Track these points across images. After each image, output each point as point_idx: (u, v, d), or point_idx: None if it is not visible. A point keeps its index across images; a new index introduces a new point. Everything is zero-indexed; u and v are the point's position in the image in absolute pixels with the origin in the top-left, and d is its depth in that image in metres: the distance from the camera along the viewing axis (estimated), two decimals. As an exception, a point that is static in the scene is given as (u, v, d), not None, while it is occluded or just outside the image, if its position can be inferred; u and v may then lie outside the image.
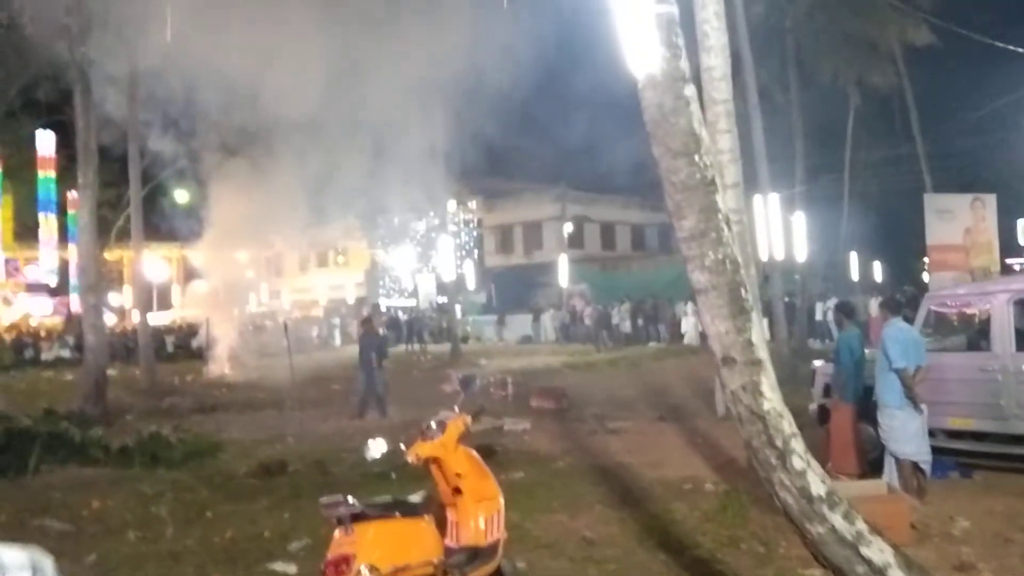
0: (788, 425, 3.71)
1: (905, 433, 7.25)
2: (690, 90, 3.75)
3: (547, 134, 39.48)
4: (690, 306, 28.27)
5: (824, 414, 8.93)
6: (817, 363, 10.06)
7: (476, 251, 42.38)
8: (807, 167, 24.88)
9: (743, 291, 3.66)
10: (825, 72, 24.54)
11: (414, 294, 41.53)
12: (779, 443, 3.62)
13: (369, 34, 21.54)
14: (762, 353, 3.69)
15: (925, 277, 32.31)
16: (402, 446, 4.83)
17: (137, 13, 17.12)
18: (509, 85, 25.04)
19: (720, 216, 3.65)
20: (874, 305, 24.57)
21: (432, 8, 20.82)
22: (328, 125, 24.28)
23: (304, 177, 24.48)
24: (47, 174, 38.38)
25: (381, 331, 16.80)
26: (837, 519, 3.66)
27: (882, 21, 23.55)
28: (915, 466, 7.33)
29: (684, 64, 3.73)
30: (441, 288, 38.69)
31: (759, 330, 3.74)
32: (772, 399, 3.66)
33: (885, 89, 26.37)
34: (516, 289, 37.52)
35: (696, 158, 3.65)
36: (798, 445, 3.72)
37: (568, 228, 39.73)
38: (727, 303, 3.60)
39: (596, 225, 43.24)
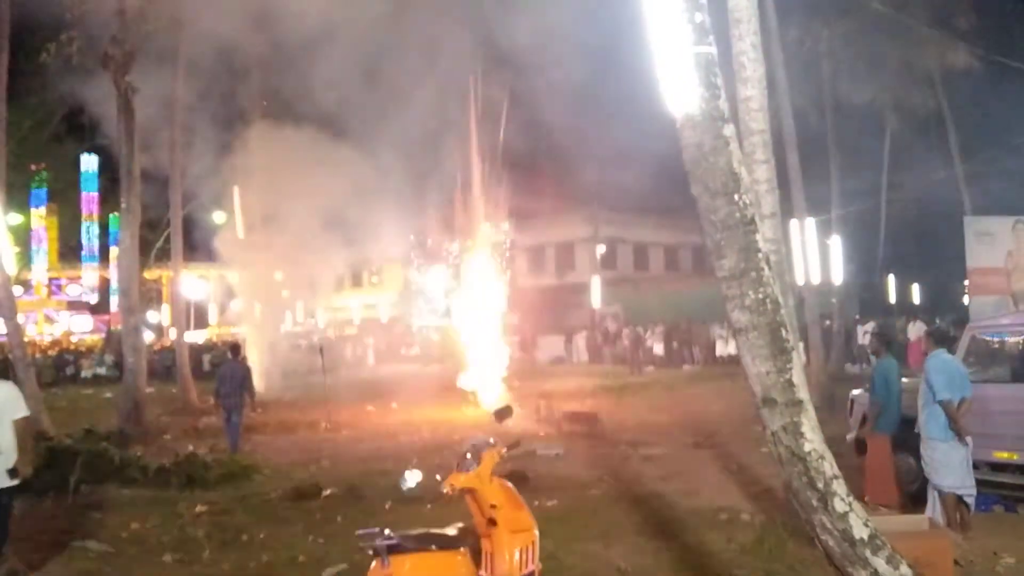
0: (830, 467, 3.66)
1: (949, 465, 7.12)
2: (729, 130, 3.75)
3: (580, 154, 39.56)
4: (726, 328, 28.11)
5: (862, 444, 8.79)
6: (855, 392, 9.92)
7: (508, 272, 42.36)
8: (843, 190, 24.65)
9: (783, 331, 3.64)
10: (862, 95, 24.34)
11: (447, 314, 41.63)
12: (820, 485, 3.58)
13: (406, 52, 21.86)
14: (803, 394, 3.65)
15: (965, 300, 31.78)
16: (438, 477, 4.84)
17: (180, 41, 17.59)
18: (543, 106, 25.22)
19: (760, 255, 3.64)
20: (913, 329, 24.22)
21: (467, 27, 21.02)
22: (362, 146, 24.65)
23: (339, 198, 24.80)
24: (90, 195, 39.27)
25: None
26: (880, 563, 3.61)
27: (920, 44, 23.33)
28: (959, 500, 7.19)
29: (723, 104, 3.74)
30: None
31: (800, 370, 3.71)
32: (813, 440, 3.62)
33: (923, 111, 26.07)
34: (548, 310, 37.47)
35: (735, 197, 3.65)
36: (840, 487, 3.67)
37: (601, 249, 39.64)
38: (767, 343, 3.58)
39: (629, 246, 43.09)
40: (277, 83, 23.83)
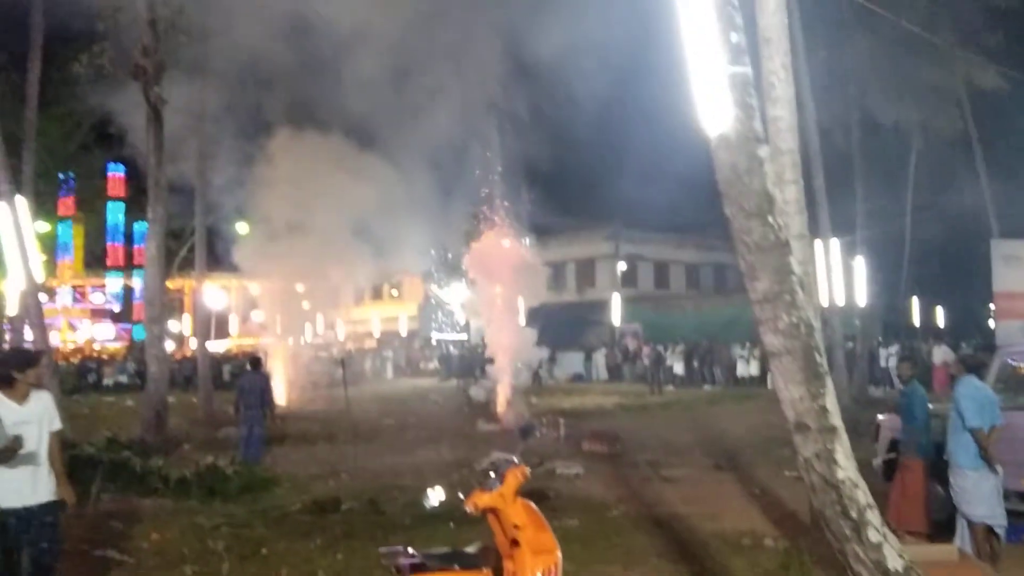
0: (863, 495, 3.59)
1: (979, 495, 6.97)
2: (764, 150, 3.71)
3: (601, 171, 39.62)
4: (747, 348, 27.89)
5: (890, 469, 8.65)
6: (881, 416, 9.77)
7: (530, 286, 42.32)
8: (868, 210, 24.46)
9: (817, 355, 3.58)
10: (888, 115, 24.18)
11: (466, 329, 41.67)
12: (854, 514, 3.51)
13: (430, 66, 22.00)
14: (836, 420, 3.59)
15: (991, 324, 31.34)
16: (460, 495, 4.80)
17: (209, 54, 17.80)
18: (565, 123, 25.30)
19: (794, 278, 3.59)
20: (938, 353, 23.93)
21: (493, 40, 21.14)
22: (384, 159, 24.82)
23: (361, 211, 24.94)
24: (116, 205, 39.76)
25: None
26: (914, 595, 3.53)
27: (947, 64, 23.18)
28: (989, 530, 7.04)
29: (758, 124, 3.70)
30: (493, 323, 38.67)
31: (833, 396, 3.64)
32: (847, 468, 3.55)
33: (950, 132, 25.84)
34: (567, 326, 37.36)
35: (769, 219, 3.61)
36: (874, 517, 3.60)
37: (621, 266, 39.55)
38: (801, 368, 3.53)
39: (649, 263, 42.97)
40: (301, 94, 24.06)
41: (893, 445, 8.80)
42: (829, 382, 3.69)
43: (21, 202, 14.07)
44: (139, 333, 41.08)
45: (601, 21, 19.19)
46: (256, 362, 13.93)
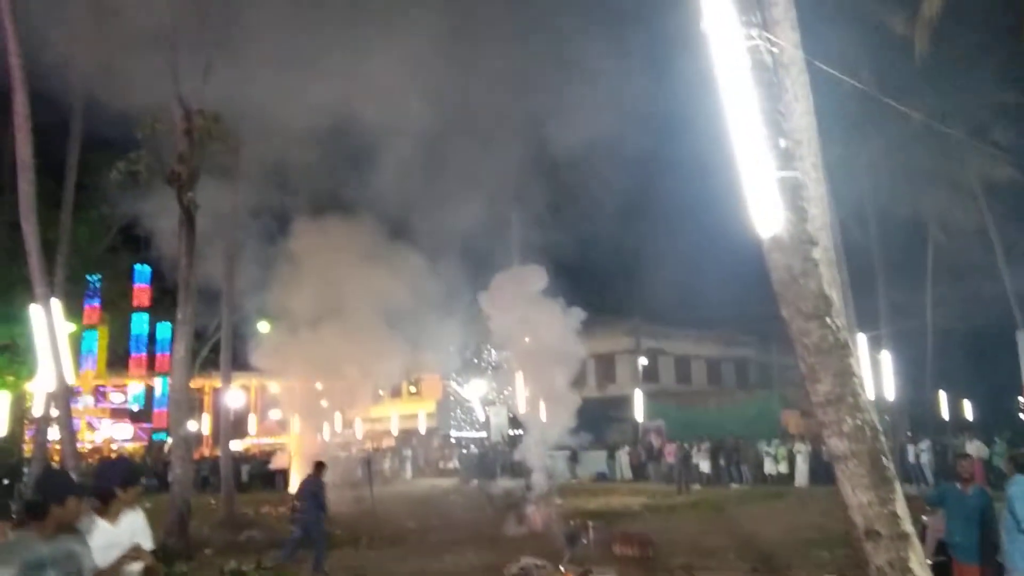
0: (941, 606, 3.46)
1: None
2: (818, 252, 3.75)
3: (621, 265, 39.88)
4: (774, 445, 27.39)
5: (941, 573, 8.31)
6: (926, 517, 9.47)
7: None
8: (892, 304, 24.39)
9: (884, 459, 3.52)
10: (904, 209, 24.40)
11: (486, 426, 41.21)
12: (932, 626, 3.37)
13: (448, 165, 22.54)
14: (908, 526, 3.49)
15: (1022, 416, 30.70)
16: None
17: (240, 158, 18.36)
18: (586, 217, 25.69)
19: (855, 380, 3.56)
20: (971, 448, 23.41)
21: (515, 132, 21.65)
22: (404, 258, 25.15)
23: (381, 309, 25.10)
24: (140, 317, 40.44)
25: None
26: None
27: (961, 158, 23.50)
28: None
29: (811, 227, 3.74)
30: (513, 421, 38.31)
31: (903, 501, 3.55)
32: (922, 576, 3.44)
33: (968, 225, 25.98)
34: (589, 423, 36.84)
35: (828, 320, 3.61)
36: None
37: (643, 361, 39.30)
38: (868, 472, 3.46)
39: (670, 358, 42.70)
40: (323, 193, 24.68)
41: (941, 547, 8.49)
42: (898, 487, 3.60)
43: (55, 304, 14.30)
44: (158, 434, 41.02)
45: (621, 120, 19.74)
46: (320, 467, 13.91)
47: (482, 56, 20.82)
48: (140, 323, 41.22)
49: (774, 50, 4.19)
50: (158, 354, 42.29)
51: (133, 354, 41.50)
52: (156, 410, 42.40)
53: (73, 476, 4.86)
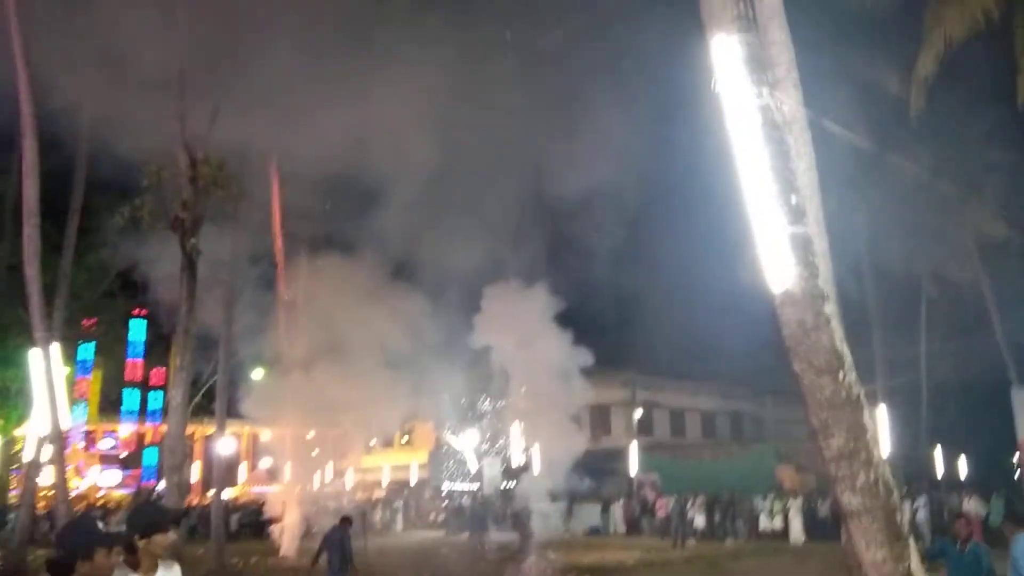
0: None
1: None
2: (830, 307, 3.80)
3: (615, 317, 39.90)
4: (769, 500, 27.15)
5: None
6: None
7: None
8: (885, 359, 24.42)
9: (898, 515, 3.52)
10: (899, 264, 24.58)
11: (478, 478, 40.76)
12: None
13: (445, 211, 22.72)
14: (923, 584, 3.48)
15: (1017, 473, 30.47)
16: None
17: (240, 207, 18.48)
18: (583, 266, 25.84)
19: (869, 435, 3.58)
20: (968, 505, 23.26)
21: (510, 188, 21.87)
22: (395, 308, 25.18)
23: (374, 358, 25.05)
24: (136, 360, 40.38)
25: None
26: None
27: (955, 214, 23.76)
28: None
29: (822, 282, 3.80)
30: (507, 473, 37.93)
31: (918, 558, 3.55)
32: (937, 636, 3.41)
33: (962, 280, 26.13)
34: (582, 476, 36.47)
35: (840, 375, 3.65)
36: None
37: (638, 413, 39.12)
38: (882, 528, 3.46)
39: (665, 411, 42.50)
40: (318, 243, 24.83)
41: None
42: (912, 544, 3.60)
43: (55, 349, 14.24)
44: (147, 479, 40.49)
45: (620, 172, 19.98)
46: (348, 520, 14.09)
47: (485, 105, 21.19)
48: (132, 399, 41.56)
49: (784, 108, 4.31)
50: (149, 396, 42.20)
51: (123, 423, 41.60)
52: (145, 456, 42.08)
53: (99, 524, 4.15)
